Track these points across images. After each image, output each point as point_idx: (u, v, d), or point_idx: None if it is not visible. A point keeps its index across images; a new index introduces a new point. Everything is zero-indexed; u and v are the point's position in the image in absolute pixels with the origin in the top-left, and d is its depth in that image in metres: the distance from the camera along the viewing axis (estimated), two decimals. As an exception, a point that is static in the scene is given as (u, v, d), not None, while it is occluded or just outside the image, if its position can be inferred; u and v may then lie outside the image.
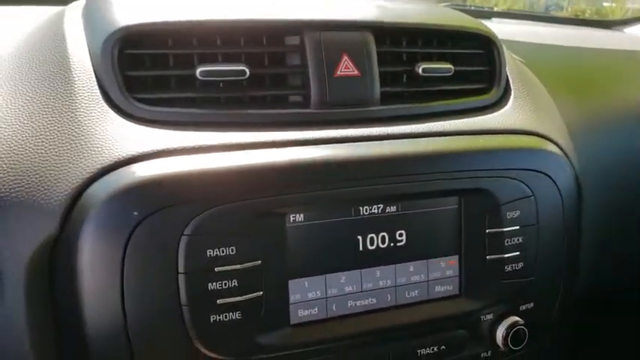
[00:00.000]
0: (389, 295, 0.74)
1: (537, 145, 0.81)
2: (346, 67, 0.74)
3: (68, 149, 0.64)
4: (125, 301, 0.62)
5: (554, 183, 0.80)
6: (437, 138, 0.76)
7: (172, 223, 0.62)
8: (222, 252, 0.64)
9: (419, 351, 0.74)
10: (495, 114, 0.83)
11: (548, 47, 1.22)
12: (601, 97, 1.06)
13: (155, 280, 0.62)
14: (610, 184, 0.95)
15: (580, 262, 0.86)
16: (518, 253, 0.78)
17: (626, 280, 1.06)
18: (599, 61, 1.22)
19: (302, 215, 0.69)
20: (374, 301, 0.74)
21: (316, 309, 0.71)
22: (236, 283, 0.65)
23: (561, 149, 0.84)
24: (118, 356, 0.63)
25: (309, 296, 0.71)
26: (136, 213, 0.61)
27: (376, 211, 0.72)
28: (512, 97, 0.86)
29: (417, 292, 0.76)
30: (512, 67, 0.91)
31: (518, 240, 0.78)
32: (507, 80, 0.88)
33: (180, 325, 0.63)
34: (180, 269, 0.63)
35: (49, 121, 0.65)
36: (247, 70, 0.70)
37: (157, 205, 0.62)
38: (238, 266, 0.65)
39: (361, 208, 0.72)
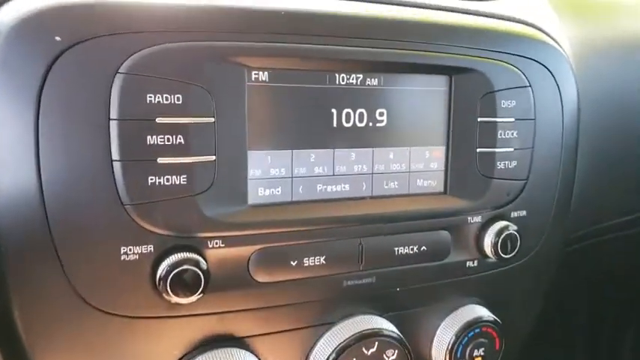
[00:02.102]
0: (364, 184, 0.64)
1: (535, 36, 0.72)
2: None
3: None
4: (41, 155, 0.50)
5: (553, 77, 0.71)
6: (425, 9, 0.67)
7: (105, 57, 0.50)
8: (167, 99, 0.52)
9: (396, 249, 0.64)
10: (495, 1, 0.75)
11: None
12: (603, 24, 0.99)
13: (79, 128, 0.50)
14: (606, 110, 0.88)
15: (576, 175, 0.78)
16: (512, 149, 0.68)
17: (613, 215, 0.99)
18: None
19: (266, 74, 0.58)
20: (347, 187, 0.63)
21: (279, 189, 0.60)
22: (182, 140, 0.53)
23: (563, 50, 0.75)
24: (33, 230, 0.51)
25: (272, 173, 0.60)
26: (58, 38, 0.50)
27: (354, 81, 0.62)
28: None
29: (396, 183, 0.65)
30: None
31: (512, 134, 0.68)
32: None
33: (110, 188, 0.52)
34: (113, 115, 0.51)
35: None
36: None
37: (88, 31, 0.50)
38: (186, 120, 0.53)
39: (337, 76, 0.61)
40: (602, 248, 1.01)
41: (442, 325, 0.69)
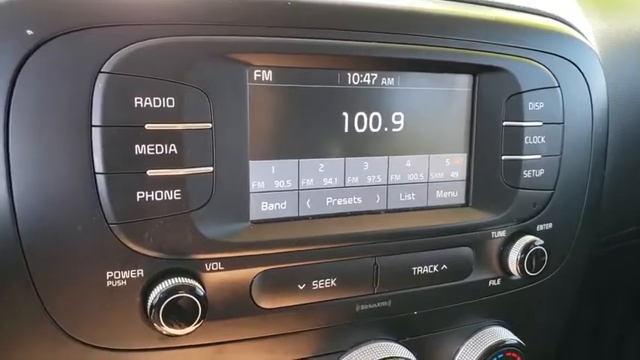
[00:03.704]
0: (378, 196, 0.57)
1: (564, 30, 0.66)
2: None
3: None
4: (12, 168, 0.43)
5: (583, 76, 0.65)
6: (447, 1, 0.60)
7: (86, 54, 0.43)
8: (157, 103, 0.45)
9: (414, 269, 0.57)
10: None
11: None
12: (629, 17, 0.94)
13: (57, 136, 0.43)
14: (630, 109, 0.82)
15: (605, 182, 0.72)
16: (539, 156, 0.62)
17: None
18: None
19: (270, 73, 0.51)
20: (359, 200, 0.57)
21: (285, 203, 0.54)
22: (175, 150, 0.47)
23: (592, 46, 0.69)
24: (3, 254, 0.44)
25: (277, 185, 0.53)
26: (30, 32, 0.43)
27: (368, 81, 0.55)
28: None
29: (413, 195, 0.59)
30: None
31: (540, 139, 0.62)
32: None
33: (94, 205, 0.45)
34: (95, 120, 0.44)
35: None
36: None
37: (65, 24, 0.43)
38: (179, 126, 0.47)
39: (349, 75, 0.54)
40: (622, 254, 0.95)
41: (462, 349, 0.63)
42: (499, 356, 0.62)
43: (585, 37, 0.69)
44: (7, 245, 0.44)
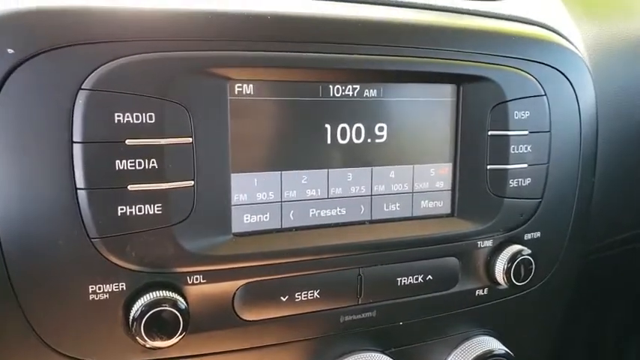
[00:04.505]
0: (362, 207, 0.57)
1: (550, 38, 0.65)
2: None
3: None
4: None
5: (570, 84, 0.65)
6: (430, 11, 0.60)
7: (66, 71, 0.44)
8: (137, 118, 0.46)
9: (399, 279, 0.57)
10: (504, 1, 0.68)
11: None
12: (619, 22, 0.93)
13: (38, 153, 0.44)
14: (620, 115, 0.82)
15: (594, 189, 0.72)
16: (525, 165, 0.62)
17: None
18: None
19: (251, 86, 0.52)
20: (343, 212, 0.57)
21: (268, 215, 0.54)
22: (155, 164, 0.47)
23: (580, 53, 0.69)
24: None
25: (259, 198, 0.53)
26: (11, 51, 0.43)
27: (351, 93, 0.55)
28: None
29: (398, 205, 0.59)
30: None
31: (526, 148, 0.62)
32: None
33: (75, 220, 0.45)
34: (76, 137, 0.45)
35: None
36: None
37: (45, 42, 0.43)
38: (160, 141, 0.47)
39: (331, 88, 0.54)
40: (619, 260, 0.95)
41: (450, 359, 0.63)
42: (487, 366, 0.62)
43: (573, 44, 0.69)
44: None
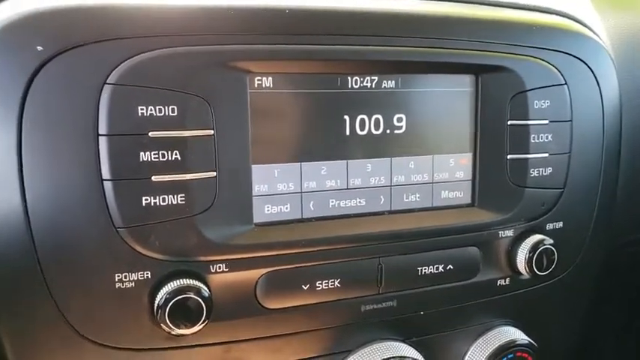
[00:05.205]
0: (382, 197, 0.58)
1: (570, 27, 0.65)
2: None
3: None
4: (25, 177, 0.45)
5: (593, 73, 0.64)
6: (446, 1, 0.61)
7: (92, 67, 0.46)
8: (160, 111, 0.47)
9: (419, 269, 0.58)
10: None
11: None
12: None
13: (66, 146, 0.46)
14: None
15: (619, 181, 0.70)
16: (546, 154, 0.61)
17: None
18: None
19: (270, 79, 0.52)
20: (362, 202, 0.57)
21: (288, 206, 0.55)
22: (178, 156, 0.48)
23: (602, 42, 0.68)
24: (19, 259, 0.46)
25: (280, 188, 0.54)
26: (40, 48, 0.45)
27: (369, 84, 0.56)
28: None
29: (417, 196, 0.59)
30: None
31: (547, 138, 0.61)
32: None
33: (102, 210, 0.47)
34: (102, 130, 0.46)
35: None
36: None
37: (71, 39, 0.45)
38: (182, 133, 0.48)
39: (349, 79, 0.55)
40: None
41: (471, 349, 0.63)
42: (509, 356, 0.61)
43: (595, 33, 0.68)
44: (22, 252, 0.46)
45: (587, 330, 0.74)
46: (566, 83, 0.62)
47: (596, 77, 0.65)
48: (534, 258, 0.61)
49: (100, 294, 0.49)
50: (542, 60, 0.61)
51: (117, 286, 0.49)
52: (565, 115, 0.62)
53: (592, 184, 0.66)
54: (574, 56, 0.63)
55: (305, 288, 0.54)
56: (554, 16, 0.66)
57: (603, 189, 0.66)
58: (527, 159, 0.61)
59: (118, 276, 0.49)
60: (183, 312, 0.49)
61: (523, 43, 0.60)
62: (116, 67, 0.46)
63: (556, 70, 0.61)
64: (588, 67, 0.64)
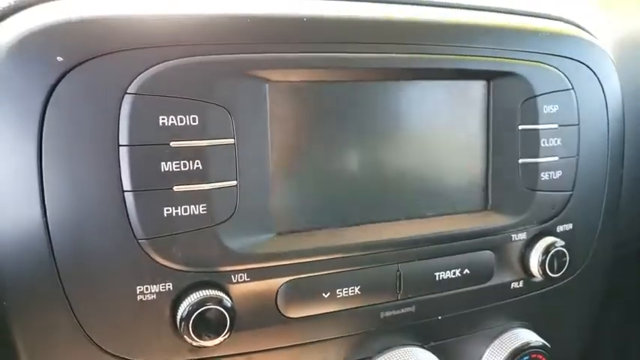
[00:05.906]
0: (398, 204, 0.58)
1: (575, 33, 0.66)
2: None
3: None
4: (45, 188, 0.45)
5: (597, 78, 0.65)
6: (460, 10, 0.61)
7: (112, 77, 0.45)
8: (181, 121, 0.47)
9: (436, 274, 0.58)
10: None
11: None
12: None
13: (87, 157, 0.45)
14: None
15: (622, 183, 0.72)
16: (556, 158, 0.63)
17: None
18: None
19: (289, 87, 0.52)
20: (379, 209, 0.57)
21: (308, 214, 0.54)
22: (199, 165, 0.48)
23: (605, 48, 0.70)
24: (38, 271, 0.45)
25: (299, 196, 0.53)
26: (60, 59, 0.44)
27: (386, 91, 0.56)
28: None
29: (432, 201, 0.59)
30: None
31: (556, 142, 0.62)
32: None
33: (123, 221, 0.46)
34: (123, 140, 0.46)
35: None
36: None
37: (92, 49, 0.45)
38: (203, 142, 0.48)
39: (367, 87, 0.55)
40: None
41: (487, 352, 0.63)
42: (524, 358, 0.62)
43: (597, 39, 0.69)
44: (42, 263, 0.45)
45: (594, 330, 0.75)
46: (572, 88, 0.63)
47: (599, 81, 0.66)
48: (547, 260, 0.62)
49: (121, 306, 0.48)
50: (550, 65, 0.62)
51: (138, 298, 0.48)
52: (573, 119, 0.64)
53: (599, 186, 0.67)
54: (579, 61, 0.64)
55: (325, 296, 0.54)
56: (558, 23, 0.67)
57: (609, 190, 0.68)
58: (538, 163, 0.62)
59: (139, 288, 0.48)
60: (207, 323, 0.48)
61: (530, 49, 0.61)
62: (136, 76, 0.46)
63: (563, 75, 0.63)
64: (592, 71, 0.65)
